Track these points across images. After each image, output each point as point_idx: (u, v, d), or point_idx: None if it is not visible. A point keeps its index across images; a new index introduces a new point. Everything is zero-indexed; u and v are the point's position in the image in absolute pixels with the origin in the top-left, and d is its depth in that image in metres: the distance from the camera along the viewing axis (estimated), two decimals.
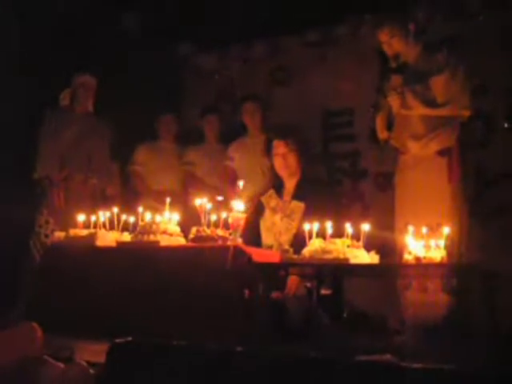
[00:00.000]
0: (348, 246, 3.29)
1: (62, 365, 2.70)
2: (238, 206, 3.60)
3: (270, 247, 4.10)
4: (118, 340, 2.50)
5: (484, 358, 2.91)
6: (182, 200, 5.18)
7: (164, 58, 6.13)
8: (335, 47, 5.77)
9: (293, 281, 3.79)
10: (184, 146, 5.78)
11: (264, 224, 4.24)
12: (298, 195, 4.19)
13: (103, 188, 5.36)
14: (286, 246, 3.62)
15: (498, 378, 2.00)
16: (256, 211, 4.27)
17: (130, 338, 2.49)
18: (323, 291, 3.74)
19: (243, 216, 3.58)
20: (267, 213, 4.25)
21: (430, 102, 4.18)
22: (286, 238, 4.07)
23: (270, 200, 4.27)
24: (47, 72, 5.31)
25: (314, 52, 5.87)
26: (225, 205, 3.86)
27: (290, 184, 4.30)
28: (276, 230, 4.15)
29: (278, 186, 4.36)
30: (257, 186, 4.89)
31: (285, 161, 4.28)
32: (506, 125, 4.90)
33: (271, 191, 4.33)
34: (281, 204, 4.22)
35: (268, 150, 4.41)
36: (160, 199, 5.05)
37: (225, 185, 5.36)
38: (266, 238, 4.20)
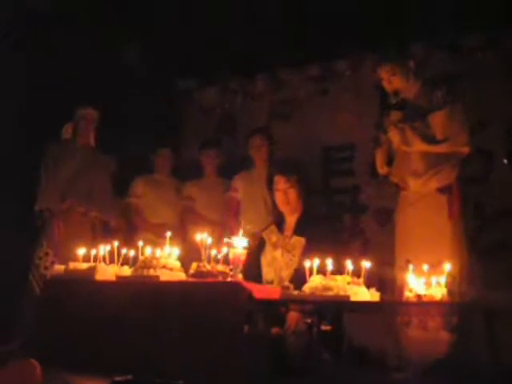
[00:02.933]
0: (348, 283, 3.28)
1: None
2: (239, 242, 3.59)
3: (271, 282, 4.10)
4: (117, 378, 2.49)
5: None
6: (179, 234, 5.17)
7: (165, 92, 6.18)
8: (336, 82, 5.83)
9: (293, 317, 3.77)
10: (182, 180, 5.80)
11: (265, 259, 4.23)
12: (298, 230, 4.20)
13: (104, 221, 5.36)
14: (287, 282, 3.61)
15: None
16: (257, 246, 4.27)
17: (129, 376, 2.48)
18: (323, 327, 3.71)
19: (244, 252, 3.57)
20: (268, 248, 4.25)
21: (430, 139, 4.18)
22: (286, 273, 4.07)
23: (271, 235, 4.28)
24: (49, 106, 5.34)
25: (315, 86, 5.93)
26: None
27: (291, 219, 4.30)
28: (277, 265, 4.15)
29: (279, 221, 4.37)
30: (260, 220, 4.92)
31: (286, 196, 4.29)
32: (505, 161, 4.91)
33: (272, 226, 4.34)
34: (281, 239, 4.22)
35: (269, 185, 4.42)
36: (157, 232, 5.09)
37: (228, 216, 5.38)
38: (267, 273, 4.19)
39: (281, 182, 4.32)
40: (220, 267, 3.59)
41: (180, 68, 6.23)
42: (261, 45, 5.63)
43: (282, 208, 4.34)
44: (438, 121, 4.17)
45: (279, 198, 4.33)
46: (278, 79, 6.16)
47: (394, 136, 4.28)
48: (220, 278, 3.54)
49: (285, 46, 5.62)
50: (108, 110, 5.50)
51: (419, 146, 4.20)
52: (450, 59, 5.23)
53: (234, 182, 5.51)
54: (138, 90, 5.84)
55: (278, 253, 4.17)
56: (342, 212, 5.63)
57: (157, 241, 4.61)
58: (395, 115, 4.31)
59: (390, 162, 4.44)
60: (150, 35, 5.90)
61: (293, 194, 4.29)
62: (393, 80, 4.30)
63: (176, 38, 5.93)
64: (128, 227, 5.57)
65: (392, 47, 4.48)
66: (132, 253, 4.01)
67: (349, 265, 3.36)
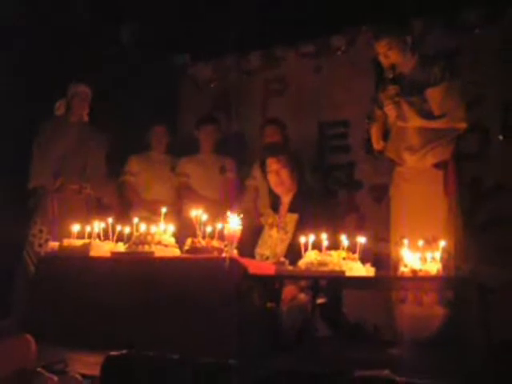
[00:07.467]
0: (344, 259, 3.28)
1: (55, 377, 2.67)
2: (235, 219, 3.57)
3: (266, 258, 4.11)
4: (112, 353, 2.48)
5: (478, 371, 2.90)
6: (174, 210, 5.17)
7: (160, 68, 6.13)
8: (331, 58, 5.78)
9: (288, 292, 3.78)
10: (177, 157, 5.76)
11: (261, 238, 4.27)
12: (293, 208, 4.22)
13: (98, 197, 5.34)
14: (282, 258, 3.62)
15: None
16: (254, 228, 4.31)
17: (124, 351, 2.48)
18: (319, 300, 3.72)
19: (239, 229, 3.56)
20: (265, 228, 4.29)
21: (426, 114, 4.16)
22: (280, 248, 4.09)
23: (268, 218, 4.31)
24: (42, 83, 5.28)
25: (310, 63, 5.88)
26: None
27: (286, 199, 4.33)
28: (272, 242, 4.17)
29: (275, 202, 4.39)
30: None
31: (279, 177, 4.32)
32: (500, 137, 4.90)
33: (268, 210, 4.37)
34: (277, 219, 4.25)
35: (262, 169, 4.45)
36: (152, 209, 5.08)
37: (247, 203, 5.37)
38: (262, 250, 4.22)
39: (272, 164, 4.35)
40: (215, 243, 3.59)
41: (175, 44, 6.17)
42: (255, 20, 5.57)
43: (277, 189, 4.38)
44: (434, 96, 4.14)
45: (272, 179, 4.36)
46: (272, 55, 6.11)
47: (390, 111, 4.25)
48: (215, 254, 3.54)
49: (279, 22, 5.56)
50: (101, 86, 5.46)
51: (415, 121, 4.17)
52: (448, 35, 5.18)
53: (253, 170, 5.38)
54: (131, 66, 5.78)
55: (274, 231, 4.20)
56: (337, 188, 5.63)
57: (152, 218, 4.61)
58: (392, 90, 4.26)
59: (385, 137, 4.42)
60: (143, 9, 5.83)
61: (285, 173, 4.32)
62: (390, 54, 4.26)
63: (171, 13, 5.87)
64: (122, 204, 5.55)
65: (389, 21, 4.43)
66: (127, 229, 4.00)
67: (344, 240, 3.36)
